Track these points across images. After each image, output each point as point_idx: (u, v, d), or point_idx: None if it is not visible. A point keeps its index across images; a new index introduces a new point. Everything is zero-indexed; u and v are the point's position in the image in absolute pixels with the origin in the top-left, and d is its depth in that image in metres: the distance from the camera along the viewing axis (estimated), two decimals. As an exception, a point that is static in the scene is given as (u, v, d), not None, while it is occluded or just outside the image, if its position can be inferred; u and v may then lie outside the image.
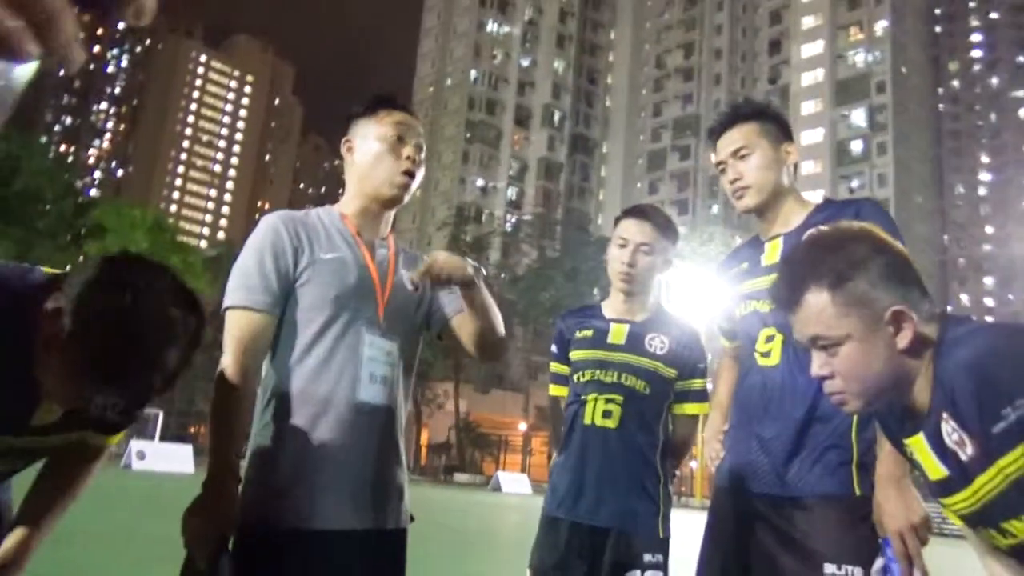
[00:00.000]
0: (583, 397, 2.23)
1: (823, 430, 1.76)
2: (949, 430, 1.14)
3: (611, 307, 2.35)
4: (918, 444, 1.23)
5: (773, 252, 1.93)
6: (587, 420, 2.20)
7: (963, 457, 1.13)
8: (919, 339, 1.18)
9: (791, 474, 1.76)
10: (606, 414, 2.19)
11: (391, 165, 1.72)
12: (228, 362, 1.55)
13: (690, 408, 2.28)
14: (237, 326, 1.58)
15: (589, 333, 2.31)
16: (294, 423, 1.57)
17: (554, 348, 2.40)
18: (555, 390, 2.41)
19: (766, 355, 1.87)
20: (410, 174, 1.74)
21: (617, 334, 2.27)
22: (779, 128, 1.98)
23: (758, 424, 1.85)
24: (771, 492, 1.79)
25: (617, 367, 2.22)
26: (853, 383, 1.21)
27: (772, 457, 1.80)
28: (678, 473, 2.44)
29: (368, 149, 1.74)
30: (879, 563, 1.63)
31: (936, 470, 1.21)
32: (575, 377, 2.28)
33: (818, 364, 1.24)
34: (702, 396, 2.30)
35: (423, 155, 1.78)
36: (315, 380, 1.60)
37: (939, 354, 1.17)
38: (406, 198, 1.76)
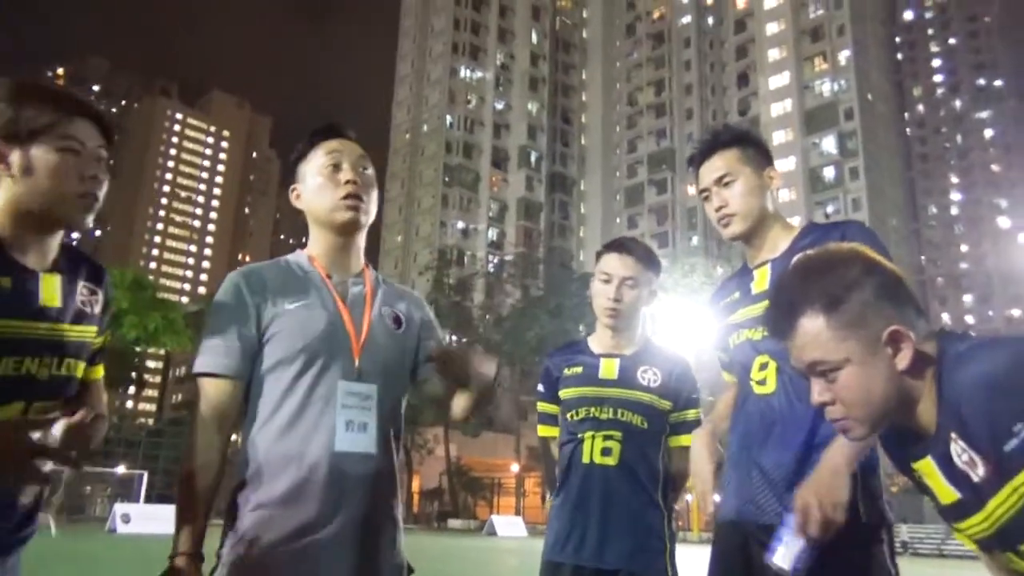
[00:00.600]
0: (579, 435, 2.18)
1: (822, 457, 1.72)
2: (959, 451, 1.10)
3: (599, 342, 2.31)
4: (927, 467, 1.18)
5: (762, 279, 1.91)
6: (586, 459, 2.15)
7: (975, 478, 1.09)
8: (919, 358, 1.14)
9: (792, 505, 1.74)
10: (605, 451, 2.14)
11: (332, 193, 1.68)
12: (193, 432, 1.52)
13: (686, 440, 2.24)
14: (203, 394, 1.55)
15: (579, 370, 2.27)
16: (270, 485, 1.50)
17: (541, 387, 2.35)
18: (544, 431, 2.35)
19: (762, 383, 1.84)
20: (354, 195, 1.68)
21: (608, 369, 2.24)
22: (760, 154, 1.97)
23: (758, 454, 1.81)
24: (774, 522, 1.73)
25: (612, 403, 2.18)
26: (856, 408, 1.17)
27: (775, 487, 1.76)
28: (677, 507, 2.40)
29: (310, 186, 1.71)
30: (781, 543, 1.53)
31: (948, 493, 1.16)
32: (568, 415, 2.23)
33: (818, 391, 1.20)
34: (697, 426, 2.27)
35: (369, 175, 1.73)
36: (288, 436, 1.53)
37: (941, 372, 1.14)
38: (362, 221, 1.71)
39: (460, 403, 1.70)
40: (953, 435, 1.10)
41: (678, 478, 2.27)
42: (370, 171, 1.74)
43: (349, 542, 1.51)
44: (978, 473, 1.08)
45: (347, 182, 1.68)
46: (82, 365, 1.49)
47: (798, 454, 1.74)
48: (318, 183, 1.70)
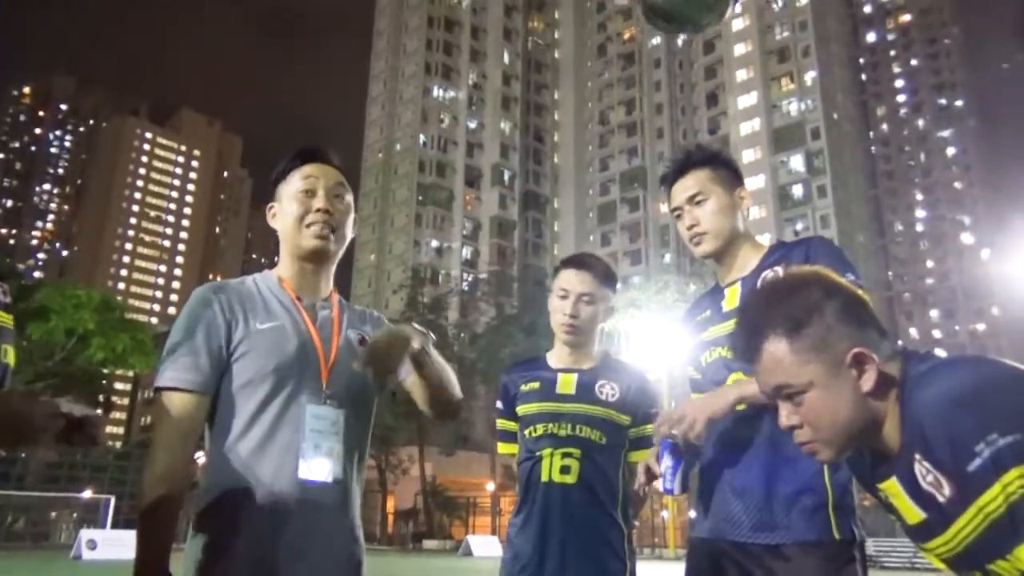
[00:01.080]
0: (537, 453, 2.15)
1: (792, 473, 1.73)
2: (923, 471, 1.10)
3: (557, 358, 2.31)
4: (892, 488, 1.18)
5: (732, 297, 1.94)
6: (544, 477, 2.12)
7: (940, 499, 1.09)
8: (883, 379, 1.15)
9: (767, 521, 1.73)
10: (564, 469, 2.11)
11: (302, 219, 1.67)
12: (154, 448, 1.48)
13: (644, 455, 2.22)
14: (164, 408, 1.50)
15: (536, 385, 2.25)
16: (235, 510, 1.47)
17: (499, 404, 2.32)
18: (503, 448, 2.33)
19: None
20: (324, 223, 1.66)
21: (566, 384, 2.22)
22: (731, 173, 2.00)
23: (729, 471, 1.82)
24: (748, 541, 1.76)
25: (570, 418, 2.16)
26: (823, 431, 1.17)
27: (746, 504, 1.77)
28: (637, 523, 2.39)
29: (284, 210, 1.70)
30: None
31: (913, 514, 1.16)
32: (526, 432, 2.21)
33: (785, 415, 1.20)
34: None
35: (345, 202, 1.72)
36: (255, 461, 1.50)
37: (904, 393, 1.14)
38: (332, 248, 1.70)
39: (417, 394, 1.70)
40: (917, 456, 1.11)
41: (637, 495, 2.25)
42: (347, 199, 1.73)
43: (315, 568, 1.49)
44: (943, 493, 1.08)
45: (318, 210, 1.67)
46: (12, 351, 1.49)
47: (768, 471, 1.76)
48: (292, 208, 1.68)
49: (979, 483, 1.01)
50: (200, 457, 1.62)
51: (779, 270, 1.85)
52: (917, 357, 1.19)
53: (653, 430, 1.85)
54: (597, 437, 2.15)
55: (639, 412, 2.23)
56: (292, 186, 1.70)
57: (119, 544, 20.90)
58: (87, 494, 35.66)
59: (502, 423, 2.32)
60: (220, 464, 1.51)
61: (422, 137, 77.51)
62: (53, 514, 40.58)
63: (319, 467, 1.53)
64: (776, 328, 1.18)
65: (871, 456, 1.23)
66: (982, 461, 1.00)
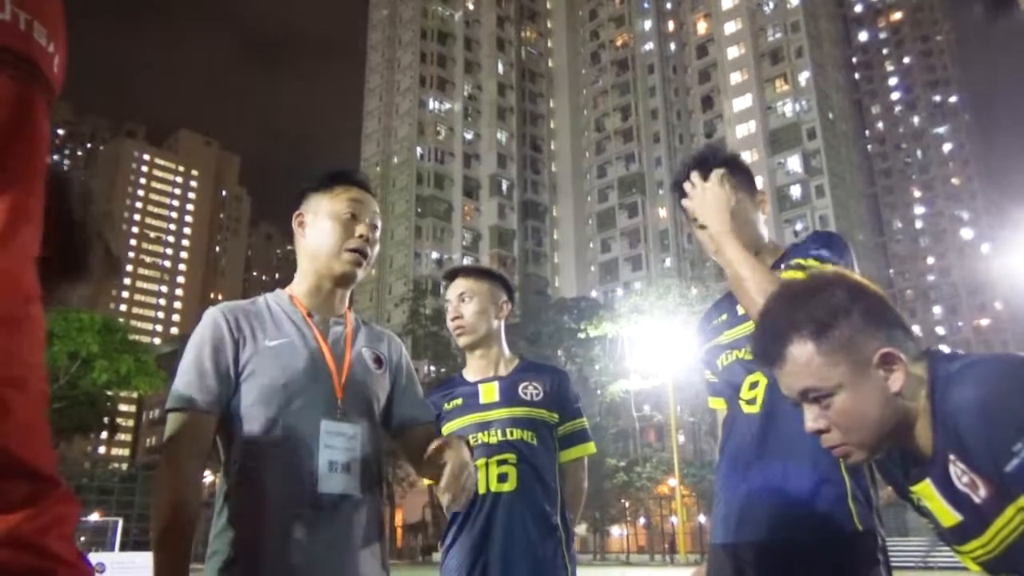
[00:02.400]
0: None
1: (810, 470, 1.71)
2: (958, 472, 1.08)
3: (472, 371, 2.30)
4: (926, 490, 1.16)
5: None
6: (482, 489, 2.09)
7: (976, 500, 1.07)
8: (912, 379, 1.13)
9: (787, 518, 1.71)
10: (501, 477, 2.09)
11: (341, 242, 1.65)
12: (165, 468, 1.47)
13: (576, 451, 2.23)
14: (173, 428, 1.50)
15: (459, 401, 2.24)
16: (251, 529, 1.45)
17: None
18: None
19: (751, 402, 1.83)
20: (362, 252, 1.66)
21: (488, 393, 2.21)
22: (747, 177, 1.97)
23: (748, 474, 1.80)
24: (769, 538, 1.73)
25: (499, 423, 2.15)
26: (853, 433, 1.15)
27: (765, 503, 1.75)
28: (578, 530, 2.36)
29: (321, 226, 1.67)
30: None
31: (948, 516, 1.14)
32: None
33: (811, 418, 1.17)
34: (584, 436, 2.26)
35: (378, 234, 1.72)
36: (269, 478, 1.48)
37: (935, 392, 1.12)
38: (359, 276, 1.69)
39: (414, 448, 1.66)
40: (952, 456, 1.09)
41: (576, 493, 2.25)
42: (378, 231, 1.73)
43: None
44: (979, 495, 1.06)
45: (360, 236, 1.67)
46: None
47: (788, 472, 1.73)
48: (331, 227, 1.67)
49: (1017, 484, 1.00)
50: (208, 477, 1.61)
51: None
52: (944, 356, 1.17)
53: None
54: (529, 437, 2.13)
55: (567, 408, 2.23)
56: (335, 205, 1.68)
57: (129, 567, 20.84)
58: (94, 517, 35.57)
59: None
60: (234, 483, 1.51)
61: (419, 150, 77.66)
62: (61, 538, 40.48)
63: (336, 482, 1.52)
64: (801, 331, 1.16)
65: (902, 459, 1.21)
66: (1020, 461, 0.98)
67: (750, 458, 1.80)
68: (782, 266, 1.84)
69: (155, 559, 1.40)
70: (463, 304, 2.29)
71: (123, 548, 28.49)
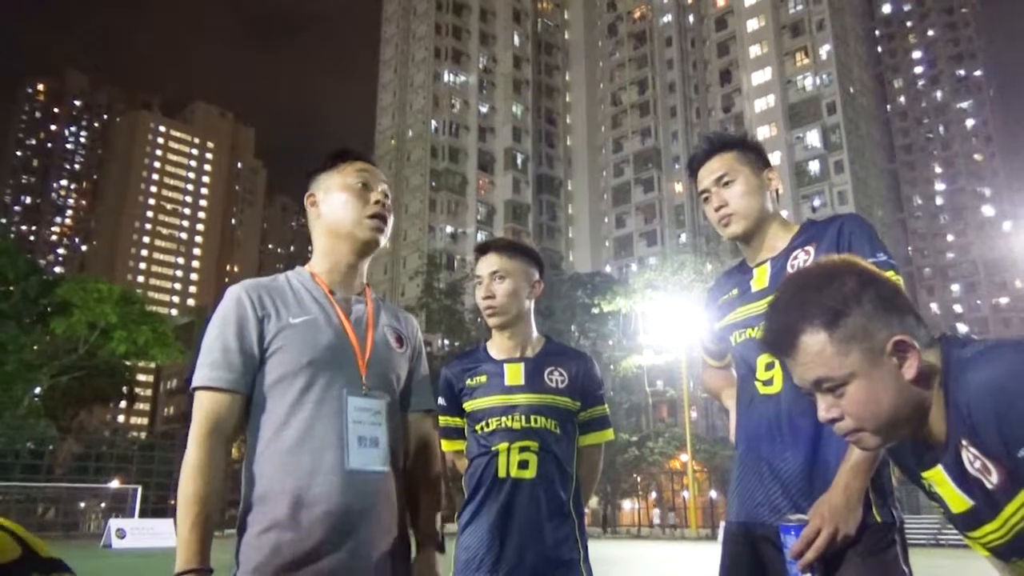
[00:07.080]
0: (493, 448, 2.10)
1: (833, 456, 1.69)
2: (971, 458, 1.09)
3: (497, 347, 2.24)
4: (937, 476, 1.17)
5: (762, 277, 1.91)
6: (502, 473, 2.07)
7: (988, 485, 1.08)
8: (925, 366, 1.13)
9: (807, 504, 1.69)
10: (522, 464, 2.07)
11: (359, 209, 1.69)
12: (192, 446, 1.49)
13: (595, 437, 2.22)
14: (200, 407, 1.52)
15: (483, 379, 2.19)
16: (281, 503, 1.48)
17: (442, 401, 2.23)
18: (448, 445, 2.25)
19: (768, 383, 1.82)
20: (380, 217, 1.70)
21: (514, 374, 2.17)
22: (758, 156, 1.99)
23: (767, 454, 1.79)
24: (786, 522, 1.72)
25: (523, 409, 2.11)
26: (868, 421, 1.14)
27: (785, 487, 1.75)
28: (588, 510, 2.35)
29: (335, 200, 1.71)
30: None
31: (959, 502, 1.15)
32: (478, 428, 2.15)
33: (825, 407, 1.16)
34: (604, 423, 2.25)
35: (389, 202, 1.75)
36: (297, 452, 1.50)
37: (948, 379, 1.12)
38: (381, 242, 1.72)
39: (415, 441, 1.78)
40: (964, 442, 1.09)
41: (589, 477, 2.24)
42: (390, 201, 1.76)
43: (364, 562, 1.50)
44: (992, 480, 1.07)
45: (376, 202, 1.71)
46: None
47: (807, 453, 1.73)
48: (345, 198, 1.70)
49: None
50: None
51: (811, 249, 1.83)
52: (957, 342, 1.16)
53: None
54: (552, 426, 2.11)
55: (588, 395, 2.21)
56: (345, 179, 1.72)
57: (148, 533, 21.27)
58: (114, 484, 36.29)
59: (445, 420, 2.25)
60: (261, 460, 1.52)
61: (434, 123, 77.32)
62: (82, 504, 41.37)
63: (366, 457, 1.55)
64: (813, 320, 1.15)
65: (914, 445, 1.21)
66: None
67: (768, 440, 1.80)
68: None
69: (179, 532, 1.43)
70: (495, 283, 2.19)
71: (143, 514, 29.04)
